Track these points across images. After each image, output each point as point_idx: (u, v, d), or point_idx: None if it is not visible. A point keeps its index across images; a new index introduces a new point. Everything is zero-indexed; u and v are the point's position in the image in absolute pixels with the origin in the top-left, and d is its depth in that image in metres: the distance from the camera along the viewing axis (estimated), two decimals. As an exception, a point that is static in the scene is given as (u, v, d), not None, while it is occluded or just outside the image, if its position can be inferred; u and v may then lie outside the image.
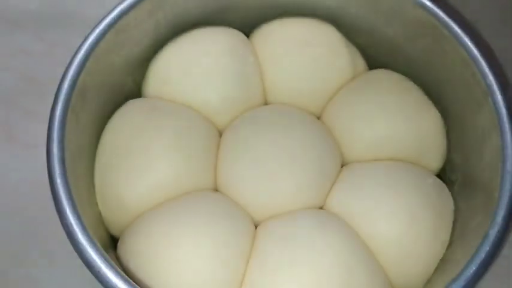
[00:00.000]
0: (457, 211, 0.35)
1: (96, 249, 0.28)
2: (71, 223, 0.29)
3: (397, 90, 0.38)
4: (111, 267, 0.28)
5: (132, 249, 0.33)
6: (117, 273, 0.27)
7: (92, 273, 0.28)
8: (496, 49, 0.36)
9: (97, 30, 0.35)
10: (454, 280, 0.28)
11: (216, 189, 0.37)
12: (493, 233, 0.29)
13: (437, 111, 0.38)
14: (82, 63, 0.34)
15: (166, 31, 0.40)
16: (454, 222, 0.35)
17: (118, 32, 0.36)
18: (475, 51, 0.34)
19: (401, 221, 0.33)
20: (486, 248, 0.28)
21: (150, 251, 0.32)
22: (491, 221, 0.29)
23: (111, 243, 0.35)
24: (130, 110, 0.37)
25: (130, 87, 0.40)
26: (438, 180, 0.37)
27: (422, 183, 0.35)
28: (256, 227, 0.35)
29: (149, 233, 0.33)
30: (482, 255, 0.28)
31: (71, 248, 0.39)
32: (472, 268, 0.28)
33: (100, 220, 0.35)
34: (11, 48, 0.49)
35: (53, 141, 0.31)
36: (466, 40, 0.35)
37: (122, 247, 0.34)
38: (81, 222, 0.29)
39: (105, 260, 0.28)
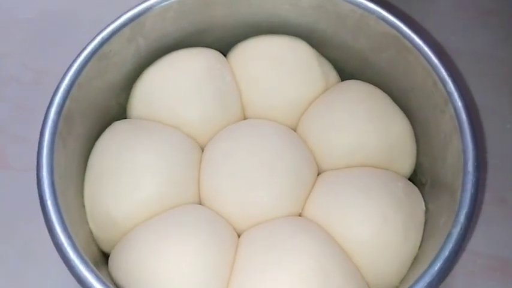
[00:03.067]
0: (427, 212, 0.37)
1: (87, 266, 0.30)
2: (62, 243, 0.31)
3: (366, 99, 0.40)
4: (102, 282, 0.29)
5: (122, 265, 0.34)
6: None
7: (83, 288, 0.30)
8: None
9: (80, 59, 0.37)
10: (420, 277, 0.30)
11: (200, 203, 0.39)
12: (456, 231, 0.31)
13: (405, 118, 0.40)
14: (67, 90, 0.36)
15: (146, 55, 0.42)
16: (425, 222, 0.37)
17: (100, 59, 0.38)
18: (435, 60, 0.37)
19: (373, 224, 0.35)
20: (449, 245, 0.30)
21: (139, 265, 0.33)
22: (454, 220, 0.31)
23: (102, 260, 0.37)
24: (115, 132, 0.39)
25: (115, 110, 0.42)
26: (409, 183, 0.39)
27: (392, 187, 0.37)
28: (239, 236, 0.37)
29: (138, 249, 0.34)
30: (446, 252, 0.30)
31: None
32: (437, 265, 0.30)
33: (91, 237, 0.37)
34: (1, 78, 0.51)
35: (42, 167, 0.33)
36: (427, 50, 0.37)
37: (112, 263, 0.36)
38: (72, 242, 0.31)
39: (96, 276, 0.30)
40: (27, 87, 0.50)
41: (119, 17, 0.38)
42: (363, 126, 0.39)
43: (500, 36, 0.52)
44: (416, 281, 0.30)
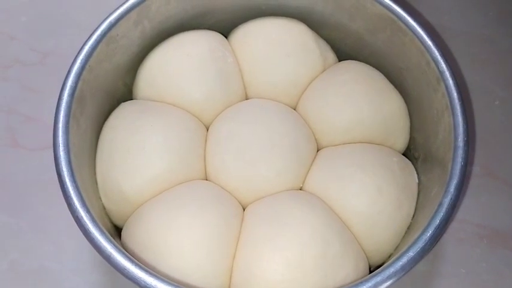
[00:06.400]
0: (420, 184, 0.40)
1: (105, 236, 0.32)
2: (81, 216, 0.32)
3: (363, 79, 0.42)
4: (119, 250, 0.31)
5: (135, 237, 0.36)
6: (125, 256, 0.31)
7: (103, 257, 0.32)
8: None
9: (89, 43, 0.38)
10: (414, 242, 0.32)
11: (206, 179, 0.41)
12: (446, 200, 0.33)
13: (400, 96, 0.42)
14: (79, 73, 0.37)
15: (151, 37, 0.43)
16: (418, 194, 0.39)
17: (108, 42, 0.39)
18: (429, 41, 0.38)
19: (369, 196, 0.37)
20: (440, 214, 0.33)
21: (151, 237, 0.35)
22: (445, 190, 0.34)
23: (115, 233, 0.39)
24: (124, 111, 0.41)
25: (122, 91, 0.44)
26: (403, 157, 0.41)
27: (387, 162, 0.39)
28: (244, 210, 0.39)
29: (149, 222, 0.36)
30: (437, 220, 0.33)
31: (78, 239, 0.43)
32: (429, 232, 0.32)
33: (104, 212, 0.39)
34: (7, 59, 0.52)
35: (59, 146, 0.35)
36: (421, 31, 0.39)
37: (125, 236, 0.38)
38: (90, 214, 0.33)
39: (114, 245, 0.32)
40: (32, 68, 0.52)
41: (125, 1, 0.40)
42: (360, 104, 0.41)
43: (491, 16, 0.54)
44: (410, 246, 0.32)
